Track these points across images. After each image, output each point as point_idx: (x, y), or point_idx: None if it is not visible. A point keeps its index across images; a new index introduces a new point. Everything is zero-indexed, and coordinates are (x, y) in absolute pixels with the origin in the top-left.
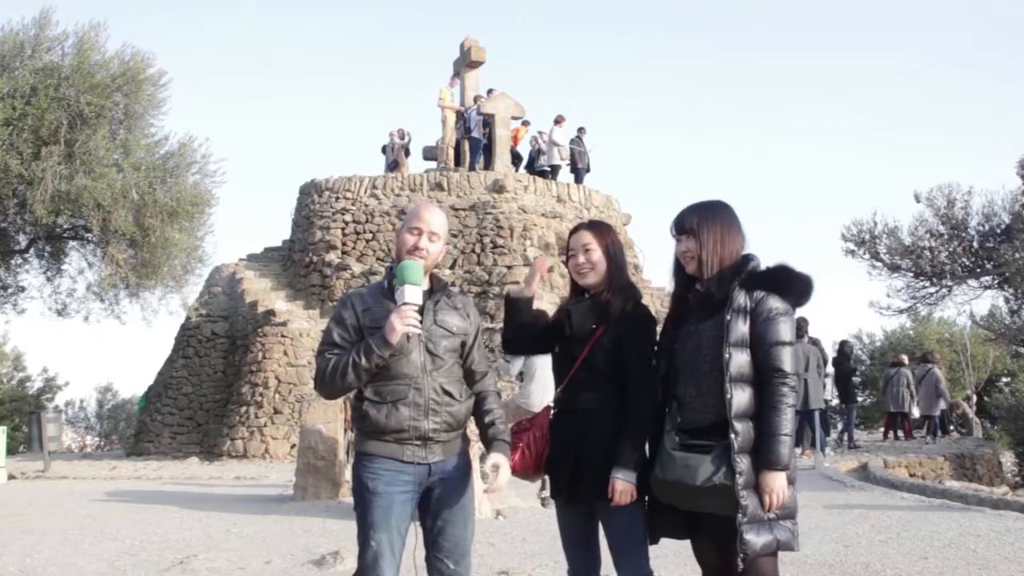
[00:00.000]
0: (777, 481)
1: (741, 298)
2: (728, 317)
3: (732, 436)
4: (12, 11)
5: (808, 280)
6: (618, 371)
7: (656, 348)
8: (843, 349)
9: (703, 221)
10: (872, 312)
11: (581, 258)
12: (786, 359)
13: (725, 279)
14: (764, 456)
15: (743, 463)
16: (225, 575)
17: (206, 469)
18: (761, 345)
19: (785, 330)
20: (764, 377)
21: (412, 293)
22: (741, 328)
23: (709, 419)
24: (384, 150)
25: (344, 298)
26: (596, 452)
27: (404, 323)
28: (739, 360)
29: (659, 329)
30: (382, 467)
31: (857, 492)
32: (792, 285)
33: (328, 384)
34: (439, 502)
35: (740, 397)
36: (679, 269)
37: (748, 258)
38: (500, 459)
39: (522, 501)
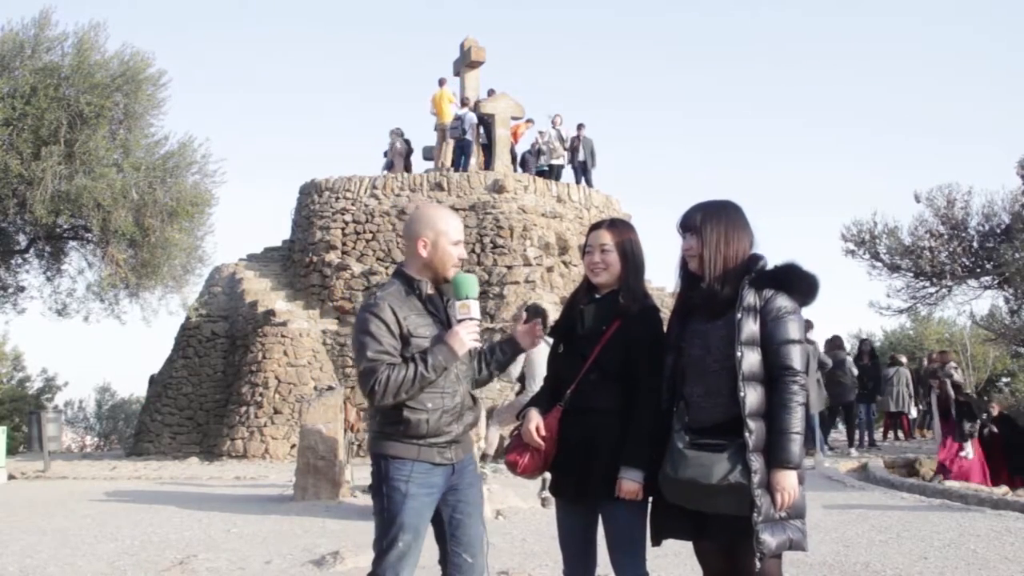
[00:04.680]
0: (789, 480)
1: (750, 297)
2: (739, 316)
3: (747, 435)
4: (12, 11)
5: (815, 279)
6: (627, 371)
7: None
8: (861, 347)
9: (707, 220)
10: (872, 312)
11: (596, 256)
12: (796, 357)
13: (732, 278)
14: (776, 454)
15: (757, 462)
16: (225, 575)
17: (206, 469)
18: (771, 344)
19: (794, 328)
20: (774, 375)
21: (476, 308)
22: (751, 327)
23: (717, 418)
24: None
25: (379, 302)
26: (606, 452)
27: (472, 338)
28: (751, 359)
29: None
30: (416, 470)
31: (857, 492)
32: (800, 284)
33: (394, 395)
34: (457, 497)
35: (753, 396)
36: (684, 267)
37: (756, 257)
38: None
39: (522, 501)
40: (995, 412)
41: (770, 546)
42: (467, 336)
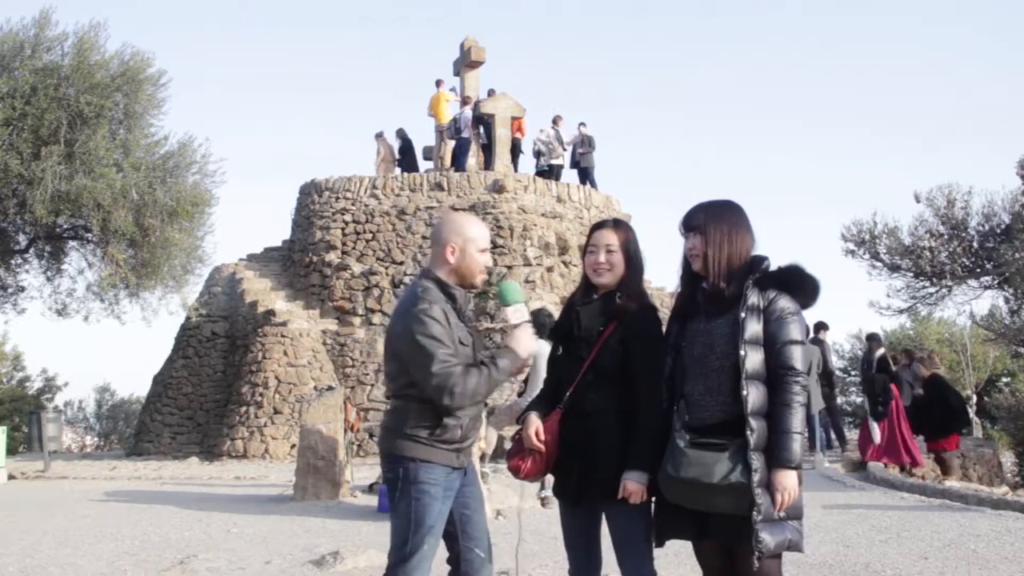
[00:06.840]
0: (790, 479)
1: (754, 297)
2: (743, 315)
3: (748, 433)
4: (12, 11)
5: (818, 283)
6: (625, 372)
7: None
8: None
9: (710, 219)
10: (872, 312)
11: (602, 257)
12: (797, 358)
13: (736, 277)
14: (777, 454)
15: (758, 461)
16: (225, 575)
17: (206, 469)
18: (773, 344)
19: (796, 330)
20: (775, 375)
21: (527, 312)
22: (755, 326)
23: (718, 417)
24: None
25: (433, 306)
26: (605, 453)
27: (532, 342)
28: (754, 358)
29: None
30: (443, 474)
31: (857, 492)
32: (804, 287)
33: (472, 398)
34: (464, 495)
35: (755, 394)
36: (686, 267)
37: (761, 258)
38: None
39: (522, 501)
40: (924, 374)
41: (769, 545)
42: (528, 340)
